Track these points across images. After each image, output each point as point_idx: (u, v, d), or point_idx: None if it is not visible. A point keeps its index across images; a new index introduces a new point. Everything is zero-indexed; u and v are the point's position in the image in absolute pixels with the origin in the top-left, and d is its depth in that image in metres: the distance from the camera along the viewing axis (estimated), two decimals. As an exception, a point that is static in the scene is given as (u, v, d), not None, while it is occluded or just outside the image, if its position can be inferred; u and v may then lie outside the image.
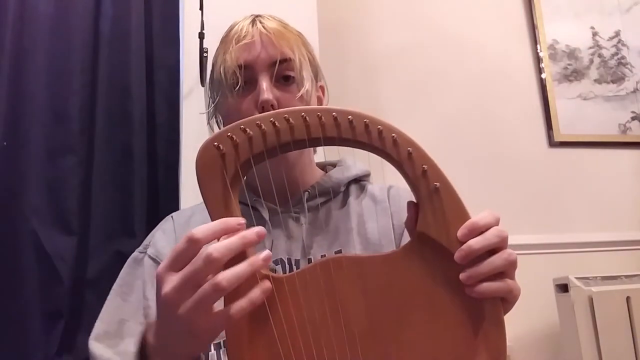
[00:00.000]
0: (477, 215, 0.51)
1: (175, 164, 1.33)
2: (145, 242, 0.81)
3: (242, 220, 0.49)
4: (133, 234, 1.26)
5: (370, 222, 0.77)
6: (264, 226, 0.75)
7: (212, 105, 0.81)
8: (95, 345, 0.70)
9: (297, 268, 0.73)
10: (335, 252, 0.74)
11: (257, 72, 0.75)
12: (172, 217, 0.84)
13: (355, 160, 0.85)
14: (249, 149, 0.53)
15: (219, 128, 0.85)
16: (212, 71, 0.82)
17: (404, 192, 0.82)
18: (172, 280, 0.48)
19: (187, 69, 1.33)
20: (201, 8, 1.27)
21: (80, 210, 1.27)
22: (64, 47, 1.33)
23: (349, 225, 0.77)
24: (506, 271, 0.51)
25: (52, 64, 1.31)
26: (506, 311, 0.53)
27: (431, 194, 0.50)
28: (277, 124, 0.52)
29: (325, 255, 0.74)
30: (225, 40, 0.80)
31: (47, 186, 1.26)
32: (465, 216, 0.51)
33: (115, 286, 0.76)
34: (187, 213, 0.84)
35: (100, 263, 1.26)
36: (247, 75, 0.75)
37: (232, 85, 0.75)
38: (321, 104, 0.85)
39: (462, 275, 0.49)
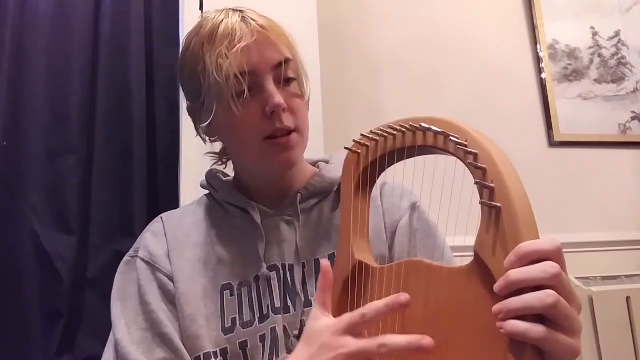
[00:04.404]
0: (533, 241, 0.45)
1: (175, 164, 1.33)
2: (135, 245, 0.78)
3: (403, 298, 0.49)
4: (133, 234, 1.26)
5: None
6: (256, 230, 0.74)
7: (211, 117, 0.72)
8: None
9: (291, 273, 0.72)
10: (329, 256, 0.73)
11: (261, 76, 0.70)
12: (161, 218, 0.81)
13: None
14: (375, 152, 0.59)
15: (209, 140, 0.81)
16: (198, 77, 0.72)
17: (397, 189, 0.81)
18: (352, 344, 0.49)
19: (187, 69, 1.33)
20: (201, 8, 1.27)
21: (80, 210, 1.27)
22: (64, 47, 1.33)
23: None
24: (554, 318, 0.43)
25: (52, 64, 1.32)
26: None
27: (491, 213, 0.47)
28: (391, 132, 0.58)
29: (318, 259, 0.73)
30: (212, 41, 0.71)
31: (47, 186, 1.26)
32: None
33: (113, 292, 0.74)
34: (177, 215, 0.81)
35: (100, 263, 1.26)
36: (251, 81, 0.70)
37: (237, 93, 0.69)
38: None
39: (494, 307, 0.44)
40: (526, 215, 0.46)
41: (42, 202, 1.24)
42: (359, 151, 0.60)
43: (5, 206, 1.22)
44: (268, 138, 0.71)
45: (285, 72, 0.72)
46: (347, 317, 0.50)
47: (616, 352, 1.46)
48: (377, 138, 0.59)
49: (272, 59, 0.71)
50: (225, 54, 0.69)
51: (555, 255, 0.44)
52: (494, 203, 0.47)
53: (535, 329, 0.42)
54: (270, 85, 0.70)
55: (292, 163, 0.74)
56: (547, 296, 0.42)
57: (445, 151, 0.53)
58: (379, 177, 0.62)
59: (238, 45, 0.69)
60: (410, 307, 0.50)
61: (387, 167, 0.61)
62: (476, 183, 0.49)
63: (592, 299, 1.49)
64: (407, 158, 0.58)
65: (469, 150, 0.49)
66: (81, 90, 1.32)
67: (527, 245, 0.44)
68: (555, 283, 0.43)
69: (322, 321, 0.53)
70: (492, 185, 0.47)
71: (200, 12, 1.27)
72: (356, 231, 0.61)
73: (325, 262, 0.56)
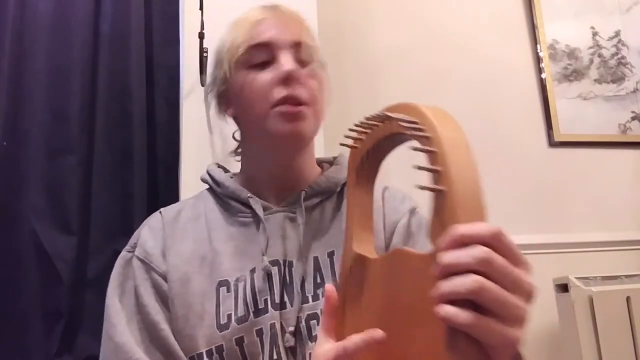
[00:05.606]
0: (468, 224, 0.43)
1: (175, 164, 1.33)
2: (132, 239, 0.78)
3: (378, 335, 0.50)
4: (133, 234, 1.25)
5: None
6: (259, 225, 0.74)
7: (221, 85, 0.79)
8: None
9: (290, 270, 0.72)
10: (328, 254, 0.73)
11: (278, 49, 0.74)
12: (160, 212, 0.81)
13: None
14: (367, 142, 0.58)
15: (221, 106, 0.84)
16: (221, 56, 0.80)
17: (398, 194, 0.82)
18: None
19: (187, 69, 1.33)
20: (201, 8, 1.27)
21: (80, 210, 1.27)
22: (64, 47, 1.33)
23: (342, 227, 0.76)
24: (483, 304, 0.40)
25: (52, 64, 1.31)
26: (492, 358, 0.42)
27: (437, 197, 0.46)
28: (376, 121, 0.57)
29: (317, 257, 0.73)
30: (237, 23, 0.79)
31: (47, 186, 1.26)
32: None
33: (110, 287, 0.74)
34: (176, 208, 0.81)
35: (100, 263, 1.25)
36: (268, 52, 0.74)
37: (253, 63, 0.75)
38: None
39: (432, 291, 0.42)
40: (468, 198, 0.44)
41: (42, 202, 1.24)
42: (357, 146, 0.60)
43: (5, 206, 1.22)
44: (278, 106, 0.73)
45: (303, 53, 0.76)
46: (335, 349, 0.51)
47: (616, 352, 1.46)
48: (368, 130, 0.59)
49: (291, 35, 0.76)
50: (247, 28, 0.76)
51: (490, 239, 0.41)
52: (435, 187, 0.45)
53: (461, 315, 0.40)
54: (286, 56, 0.74)
55: (300, 134, 0.74)
56: (471, 281, 0.40)
57: (408, 136, 0.52)
58: (376, 167, 0.62)
59: (259, 19, 0.76)
60: (398, 296, 0.50)
61: (378, 159, 0.60)
62: (418, 167, 0.47)
63: (592, 299, 1.48)
64: (389, 149, 0.58)
65: (424, 134, 0.49)
66: (81, 90, 1.32)
67: (460, 228, 0.42)
68: (484, 268, 0.40)
69: (323, 347, 0.54)
70: (438, 168, 0.46)
71: (200, 12, 1.27)
72: (356, 223, 0.61)
73: (329, 287, 0.56)
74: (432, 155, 0.47)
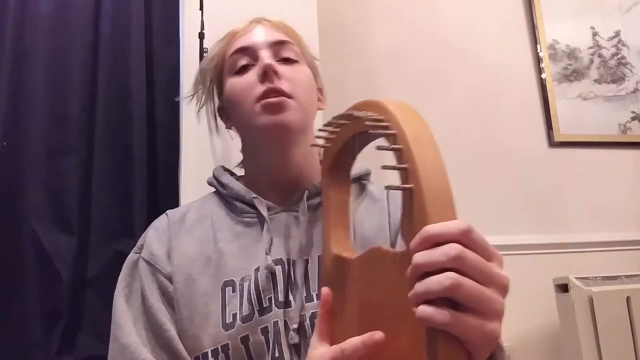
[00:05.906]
0: (439, 223, 0.43)
1: (175, 164, 1.33)
2: (140, 241, 0.79)
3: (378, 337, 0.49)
4: (133, 234, 1.26)
5: (368, 222, 0.76)
6: (263, 224, 0.75)
7: (219, 99, 0.84)
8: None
9: (294, 268, 0.72)
10: None
11: (258, 51, 0.77)
12: (166, 214, 0.82)
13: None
14: (337, 141, 0.58)
15: (222, 120, 0.87)
16: (203, 67, 0.84)
17: None
18: None
19: (187, 69, 1.33)
20: (201, 8, 1.27)
21: (80, 210, 1.27)
22: (64, 47, 1.33)
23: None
24: (460, 301, 0.40)
25: (52, 64, 1.32)
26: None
27: (405, 195, 0.46)
28: (342, 121, 0.57)
29: (321, 256, 0.73)
30: (221, 38, 0.83)
31: (47, 186, 1.26)
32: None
33: (119, 288, 0.75)
34: (182, 210, 0.82)
35: (100, 263, 1.26)
36: (249, 56, 0.77)
37: (235, 67, 0.78)
38: (320, 107, 0.85)
39: (410, 292, 0.42)
40: (437, 196, 0.44)
41: (42, 202, 1.25)
42: (328, 145, 0.60)
43: (5, 206, 1.22)
44: (261, 100, 0.74)
45: (283, 50, 0.78)
46: (331, 351, 0.51)
47: (616, 352, 1.46)
48: (337, 129, 0.58)
49: (269, 37, 0.79)
50: (229, 40, 0.80)
51: (461, 237, 0.41)
52: (403, 185, 0.45)
53: (438, 314, 0.40)
54: (265, 54, 0.76)
55: (285, 125, 0.74)
56: (445, 278, 0.40)
57: (372, 134, 0.52)
58: (348, 167, 0.61)
59: (240, 32, 0.80)
60: (376, 295, 0.50)
61: (349, 158, 0.60)
62: (384, 167, 0.47)
63: (592, 299, 1.48)
64: (359, 147, 0.58)
65: (389, 131, 0.48)
66: (81, 89, 1.32)
67: (431, 228, 0.42)
68: (457, 265, 0.40)
69: (317, 351, 0.54)
70: (404, 166, 0.46)
71: (200, 12, 1.27)
72: (332, 224, 0.60)
73: (325, 290, 0.56)
74: (397, 152, 0.47)
